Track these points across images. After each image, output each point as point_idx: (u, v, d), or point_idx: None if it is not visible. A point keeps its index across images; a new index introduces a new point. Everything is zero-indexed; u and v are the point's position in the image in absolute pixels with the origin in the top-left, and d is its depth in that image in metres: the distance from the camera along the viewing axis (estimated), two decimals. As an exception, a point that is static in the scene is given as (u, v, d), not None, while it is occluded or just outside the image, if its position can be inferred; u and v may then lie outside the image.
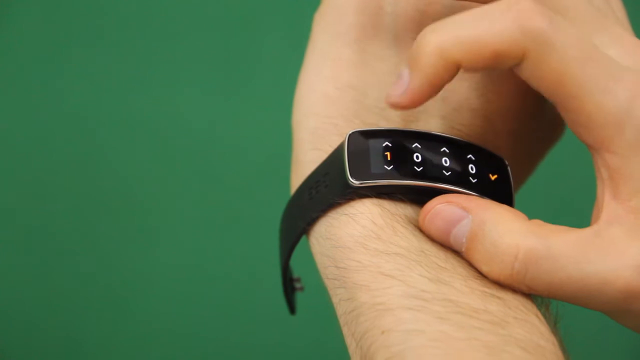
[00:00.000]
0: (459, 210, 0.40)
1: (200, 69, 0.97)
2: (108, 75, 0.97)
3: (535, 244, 0.38)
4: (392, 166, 0.41)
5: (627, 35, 0.41)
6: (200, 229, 0.94)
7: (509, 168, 0.43)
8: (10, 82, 0.96)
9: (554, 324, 0.39)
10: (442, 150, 0.42)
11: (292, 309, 0.48)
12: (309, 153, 0.44)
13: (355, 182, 0.41)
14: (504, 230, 0.39)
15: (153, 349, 0.91)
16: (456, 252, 0.40)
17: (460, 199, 0.40)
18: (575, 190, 0.86)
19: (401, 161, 0.41)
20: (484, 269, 0.39)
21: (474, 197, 0.40)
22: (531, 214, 0.40)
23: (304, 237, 0.44)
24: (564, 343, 0.38)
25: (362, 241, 0.40)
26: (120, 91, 0.96)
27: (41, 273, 0.92)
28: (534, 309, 0.39)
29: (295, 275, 0.49)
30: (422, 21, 0.45)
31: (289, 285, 0.48)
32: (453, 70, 0.39)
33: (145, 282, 0.93)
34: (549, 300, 0.40)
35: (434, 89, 0.39)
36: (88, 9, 0.98)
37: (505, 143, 0.44)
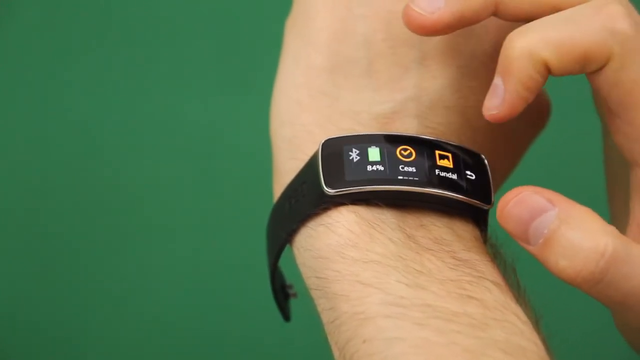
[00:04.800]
0: (544, 201, 0.39)
1: (201, 69, 0.97)
2: (108, 76, 0.97)
3: (619, 246, 0.38)
4: (366, 172, 0.41)
5: None
6: (201, 229, 0.94)
7: (487, 164, 0.42)
8: (10, 82, 0.96)
9: (536, 321, 0.39)
10: (416, 151, 0.41)
11: (285, 316, 0.49)
12: (288, 162, 0.44)
13: (330, 191, 0.41)
14: (593, 228, 0.38)
15: (153, 349, 0.92)
16: (431, 255, 0.40)
17: (545, 191, 0.39)
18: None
19: (375, 166, 0.41)
20: (563, 263, 0.38)
21: (557, 192, 0.40)
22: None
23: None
24: (548, 342, 0.38)
25: (339, 250, 0.40)
26: (120, 91, 0.96)
27: (41, 273, 0.93)
28: (514, 307, 0.39)
29: (289, 281, 0.49)
30: (392, 21, 0.44)
31: (282, 292, 0.48)
32: (544, 72, 0.39)
33: (147, 282, 0.93)
34: (529, 297, 0.40)
35: (530, 92, 0.39)
36: (88, 8, 0.99)
37: (484, 138, 0.44)
